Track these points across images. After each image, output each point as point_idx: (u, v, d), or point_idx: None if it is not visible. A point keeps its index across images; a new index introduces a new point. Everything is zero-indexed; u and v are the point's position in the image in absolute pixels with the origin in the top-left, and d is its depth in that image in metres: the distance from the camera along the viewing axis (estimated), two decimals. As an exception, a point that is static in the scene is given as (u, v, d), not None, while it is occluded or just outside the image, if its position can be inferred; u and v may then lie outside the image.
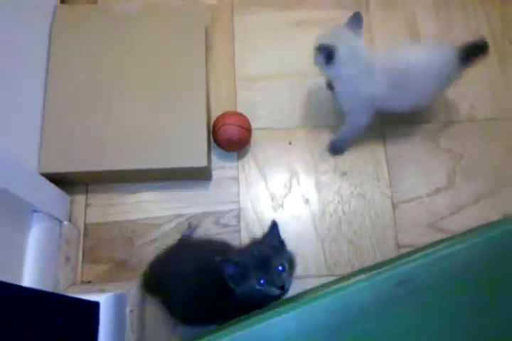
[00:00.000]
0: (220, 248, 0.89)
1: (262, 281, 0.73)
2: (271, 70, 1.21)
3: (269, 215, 1.09)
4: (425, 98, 1.06)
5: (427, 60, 0.99)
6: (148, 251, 1.02)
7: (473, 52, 0.99)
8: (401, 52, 1.01)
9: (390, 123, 1.17)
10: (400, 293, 0.57)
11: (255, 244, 0.80)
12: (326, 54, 0.94)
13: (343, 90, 1.03)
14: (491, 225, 0.70)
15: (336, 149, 1.14)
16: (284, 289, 0.74)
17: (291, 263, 0.78)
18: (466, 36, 1.23)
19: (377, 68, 0.97)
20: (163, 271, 0.90)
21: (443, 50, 1.00)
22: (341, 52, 0.94)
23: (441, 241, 0.72)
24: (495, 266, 0.67)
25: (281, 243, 0.80)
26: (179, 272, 0.84)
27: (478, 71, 1.19)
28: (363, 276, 0.59)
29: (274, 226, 0.79)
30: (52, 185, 0.99)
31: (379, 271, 0.59)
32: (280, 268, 0.75)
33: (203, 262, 0.81)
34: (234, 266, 0.75)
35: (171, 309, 0.91)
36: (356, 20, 0.96)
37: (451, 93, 1.18)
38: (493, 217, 0.84)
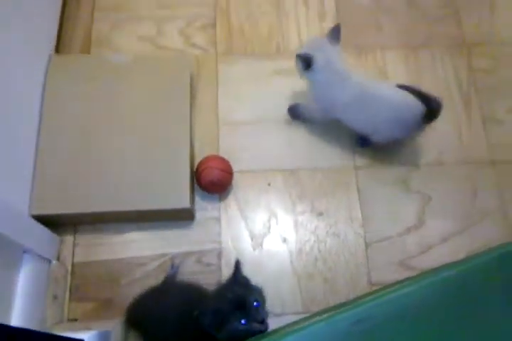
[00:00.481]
0: (197, 294, 0.94)
1: (243, 321, 0.77)
2: (252, 116, 1.29)
3: (249, 254, 1.15)
4: (379, 132, 1.16)
5: (394, 100, 1.11)
6: (133, 290, 1.06)
7: (431, 116, 1.09)
8: (378, 82, 1.17)
9: (364, 166, 1.24)
10: (355, 332, 0.62)
11: (226, 286, 0.84)
12: (305, 62, 1.09)
13: (316, 92, 1.17)
14: (446, 266, 0.76)
15: (293, 111, 1.28)
16: (263, 322, 0.78)
17: (261, 295, 0.82)
18: (432, 83, 1.35)
19: (351, 80, 1.11)
20: (147, 309, 0.95)
21: (413, 102, 1.09)
22: (318, 61, 1.09)
23: (403, 280, 0.78)
24: (450, 305, 0.73)
25: (247, 279, 0.84)
26: (162, 314, 0.89)
27: (446, 118, 1.29)
28: (323, 316, 0.65)
29: (237, 264, 0.85)
30: (42, 227, 1.04)
31: (338, 310, 0.65)
32: (255, 303, 0.79)
33: (184, 309, 0.85)
34: (212, 316, 0.78)
35: None
36: (335, 32, 1.11)
37: (420, 138, 1.27)
38: (461, 256, 0.90)
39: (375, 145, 1.23)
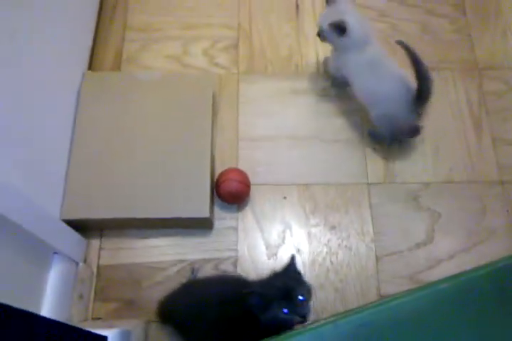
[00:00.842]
0: (241, 282, 1.00)
1: (285, 310, 0.82)
2: (270, 132, 1.36)
3: (263, 263, 1.21)
4: (378, 104, 1.22)
5: (398, 75, 1.19)
6: (154, 293, 1.13)
7: (421, 98, 1.16)
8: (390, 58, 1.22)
9: (376, 183, 1.30)
10: (358, 334, 0.67)
11: (276, 276, 0.89)
12: (339, 29, 1.14)
13: (337, 54, 1.25)
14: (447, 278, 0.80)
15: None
16: (305, 318, 0.82)
17: (309, 292, 0.86)
18: (445, 104, 1.40)
19: (371, 46, 1.18)
20: (182, 303, 1.00)
21: (412, 84, 1.17)
22: (350, 24, 1.14)
23: (406, 290, 0.83)
24: (449, 313, 0.76)
25: (299, 274, 0.89)
26: (200, 304, 0.94)
27: (457, 137, 1.35)
28: (331, 319, 0.70)
29: (292, 259, 0.90)
30: (71, 230, 1.12)
31: (344, 315, 0.71)
32: (301, 297, 0.83)
33: (227, 294, 0.92)
34: (259, 298, 0.83)
35: (190, 338, 1.00)
36: None
37: (432, 156, 1.32)
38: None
39: (383, 141, 1.32)
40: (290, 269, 0.89)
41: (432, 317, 0.71)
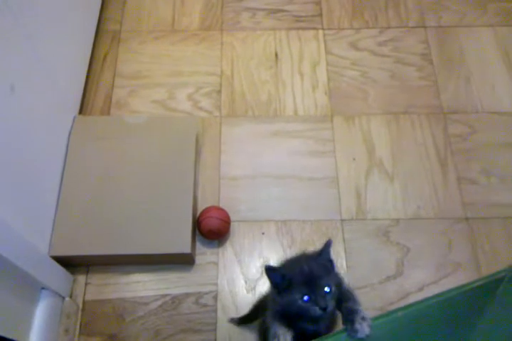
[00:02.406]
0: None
1: (306, 298, 0.74)
2: (250, 172, 1.45)
3: (243, 297, 1.26)
4: None
5: None
6: (136, 327, 1.18)
7: None
8: None
9: (349, 219, 1.38)
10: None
11: (306, 258, 0.81)
12: None
13: None
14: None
15: None
16: (325, 311, 0.74)
17: (339, 285, 0.78)
18: (412, 146, 1.51)
19: None
20: None
21: None
22: None
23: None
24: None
25: (331, 263, 0.81)
26: None
27: (424, 176, 1.45)
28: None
29: (328, 245, 0.80)
30: (59, 266, 1.18)
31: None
32: (327, 289, 0.75)
33: None
34: (281, 277, 0.76)
35: None
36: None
37: (401, 195, 1.41)
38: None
39: None
40: (323, 256, 0.80)
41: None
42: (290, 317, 0.80)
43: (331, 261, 0.81)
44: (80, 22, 1.53)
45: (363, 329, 0.73)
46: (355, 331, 0.73)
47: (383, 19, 1.77)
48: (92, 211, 1.27)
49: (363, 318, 0.75)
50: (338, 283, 0.79)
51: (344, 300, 0.81)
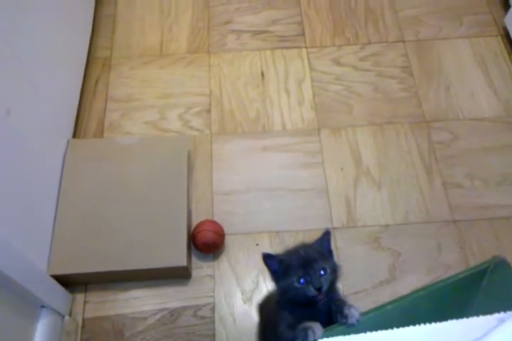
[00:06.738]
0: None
1: (302, 280, 0.77)
2: (241, 186, 1.49)
3: (240, 307, 1.29)
4: None
5: None
6: (135, 341, 1.20)
7: None
8: None
9: (340, 227, 1.41)
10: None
11: (304, 246, 0.84)
12: None
13: None
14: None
15: None
16: (320, 291, 0.76)
17: (334, 272, 0.80)
18: (398, 154, 1.55)
19: None
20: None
21: None
22: None
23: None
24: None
25: (330, 252, 0.84)
26: None
27: (410, 183, 1.49)
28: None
29: (326, 234, 0.83)
30: (58, 285, 1.20)
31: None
32: (322, 272, 0.78)
33: None
34: (278, 264, 0.80)
35: None
36: None
37: (389, 201, 1.45)
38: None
39: None
40: (321, 244, 0.83)
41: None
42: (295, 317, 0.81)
43: (330, 252, 0.84)
44: (72, 50, 1.60)
45: (352, 313, 0.75)
46: (345, 316, 0.75)
47: (363, 35, 1.84)
48: (88, 230, 1.30)
49: (351, 306, 0.78)
50: (334, 270, 0.82)
51: (334, 300, 0.83)
